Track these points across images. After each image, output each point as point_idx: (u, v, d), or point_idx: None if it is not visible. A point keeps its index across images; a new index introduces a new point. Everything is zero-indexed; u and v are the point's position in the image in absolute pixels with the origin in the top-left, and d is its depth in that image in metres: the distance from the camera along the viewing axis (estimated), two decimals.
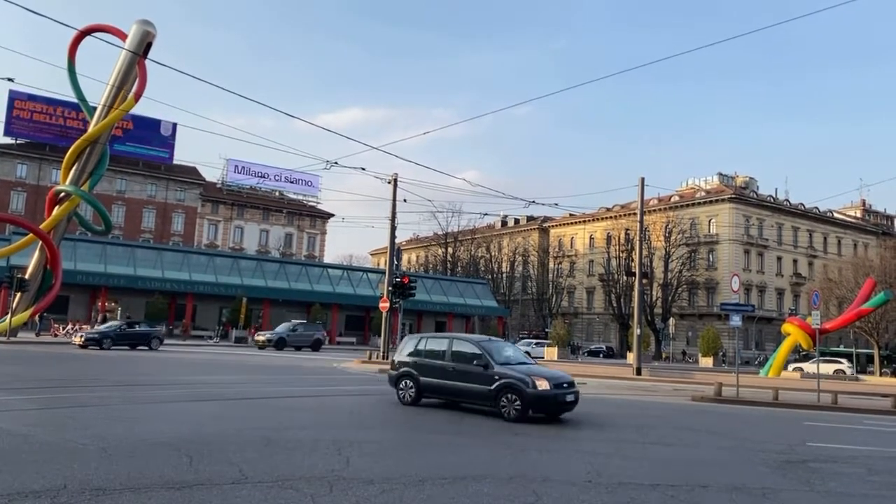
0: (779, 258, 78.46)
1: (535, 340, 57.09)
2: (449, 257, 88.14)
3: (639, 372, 30.22)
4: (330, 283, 60.11)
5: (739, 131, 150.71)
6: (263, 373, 22.54)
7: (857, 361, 52.26)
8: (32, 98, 65.48)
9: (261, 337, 42.29)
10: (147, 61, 35.16)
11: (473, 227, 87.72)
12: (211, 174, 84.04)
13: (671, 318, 65.71)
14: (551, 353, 53.54)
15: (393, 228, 33.45)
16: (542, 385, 12.22)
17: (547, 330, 70.26)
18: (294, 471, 7.18)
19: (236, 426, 10.23)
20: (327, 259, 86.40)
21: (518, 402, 12.16)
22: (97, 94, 38.13)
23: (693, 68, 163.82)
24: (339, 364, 29.35)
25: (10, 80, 22.08)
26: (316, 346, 42.90)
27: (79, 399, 12.79)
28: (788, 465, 9.57)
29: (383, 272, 47.87)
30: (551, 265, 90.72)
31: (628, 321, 67.11)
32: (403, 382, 14.09)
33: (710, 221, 76.65)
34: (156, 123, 71.81)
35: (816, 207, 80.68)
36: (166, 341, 43.40)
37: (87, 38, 35.32)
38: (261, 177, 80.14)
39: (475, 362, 12.86)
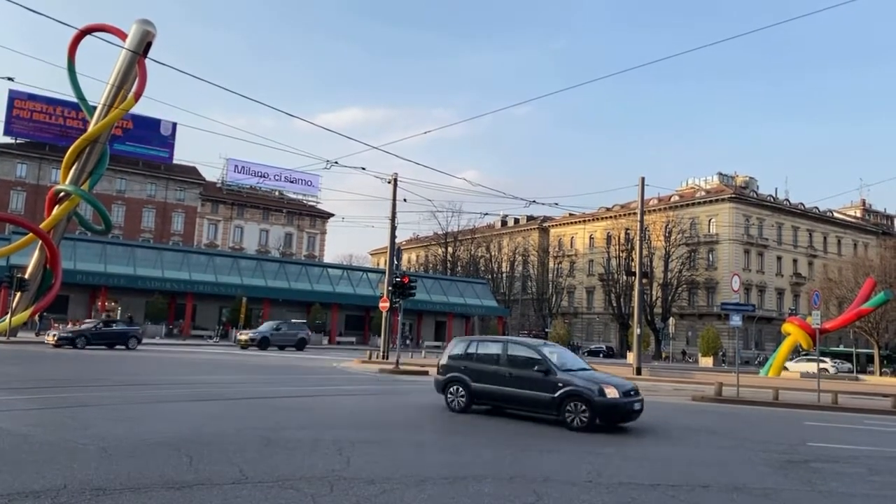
0: (779, 258, 78.47)
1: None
2: (449, 257, 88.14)
3: (639, 372, 30.22)
4: (330, 283, 60.10)
5: (739, 131, 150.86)
6: (262, 373, 22.53)
7: (857, 361, 52.31)
8: (32, 97, 65.46)
9: (243, 336, 41.01)
10: (147, 61, 35.15)
11: (473, 227, 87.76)
12: (211, 174, 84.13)
13: (671, 318, 65.72)
14: None
15: (393, 228, 33.43)
16: (612, 393, 11.65)
17: (547, 330, 70.30)
18: (294, 471, 7.16)
19: (236, 426, 10.21)
20: (327, 259, 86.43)
21: (585, 411, 11.52)
22: (97, 93, 38.15)
23: (693, 68, 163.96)
24: (339, 364, 29.34)
25: (10, 79, 22.07)
26: (300, 345, 41.82)
27: (78, 399, 12.77)
28: (789, 465, 9.56)
29: (383, 272, 47.88)
30: (551, 265, 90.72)
31: (628, 321, 67.12)
32: (453, 388, 13.25)
33: (709, 221, 76.65)
34: (156, 123, 71.79)
35: (816, 207, 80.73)
36: (164, 341, 43.46)
37: (87, 38, 35.29)
38: (261, 176, 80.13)
39: (535, 368, 12.18)
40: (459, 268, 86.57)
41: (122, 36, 35.18)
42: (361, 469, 7.44)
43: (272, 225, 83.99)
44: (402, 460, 8.26)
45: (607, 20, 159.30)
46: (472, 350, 13.55)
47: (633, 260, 61.03)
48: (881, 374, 48.27)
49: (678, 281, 72.30)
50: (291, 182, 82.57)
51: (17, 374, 17.07)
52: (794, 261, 79.61)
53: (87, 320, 36.25)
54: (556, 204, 42.38)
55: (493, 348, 13.32)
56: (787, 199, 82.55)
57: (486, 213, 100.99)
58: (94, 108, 37.33)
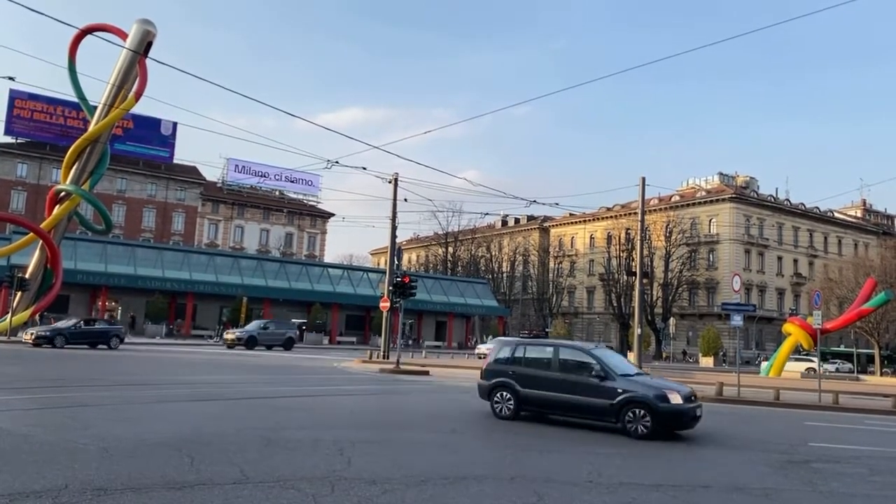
0: (779, 258, 78.47)
1: (506, 339, 53.77)
2: (449, 257, 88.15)
3: None
4: (330, 283, 60.10)
5: (740, 131, 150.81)
6: (262, 373, 22.53)
7: (857, 361, 52.32)
8: (33, 97, 65.47)
9: (230, 335, 39.80)
10: (147, 60, 35.16)
11: (474, 227, 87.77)
12: (211, 174, 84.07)
13: (671, 318, 65.72)
14: None
15: (394, 228, 33.43)
16: (676, 399, 11.17)
17: (547, 330, 70.27)
18: (295, 471, 7.16)
19: (236, 426, 10.21)
20: (327, 259, 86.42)
21: (648, 418, 11.03)
22: (97, 93, 38.17)
23: (693, 68, 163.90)
24: (340, 363, 29.34)
25: (10, 78, 22.08)
26: (288, 344, 40.80)
27: (78, 399, 12.77)
28: (790, 466, 9.55)
29: (383, 272, 47.84)
30: (551, 265, 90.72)
31: (628, 321, 67.09)
32: (500, 395, 12.59)
33: (710, 221, 76.65)
34: (156, 123, 71.79)
35: (817, 207, 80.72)
36: (163, 340, 43.44)
37: (88, 38, 35.29)
38: (261, 176, 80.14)
39: (592, 373, 11.65)
40: (460, 268, 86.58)
41: (123, 36, 35.19)
42: (363, 469, 7.44)
43: (273, 225, 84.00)
44: (403, 460, 8.26)
45: (607, 20, 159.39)
46: (519, 354, 12.95)
47: (633, 260, 61.02)
48: (882, 375, 48.29)
49: (679, 281, 72.30)
50: (292, 182, 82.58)
51: (17, 374, 17.07)
52: (795, 261, 79.61)
53: (67, 319, 34.95)
54: (557, 204, 42.39)
55: (544, 352, 12.80)
56: (788, 199, 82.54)
57: (487, 213, 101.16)
58: (95, 107, 37.33)
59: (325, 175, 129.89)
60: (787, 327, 39.67)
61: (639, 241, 34.76)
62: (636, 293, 34.24)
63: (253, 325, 41.77)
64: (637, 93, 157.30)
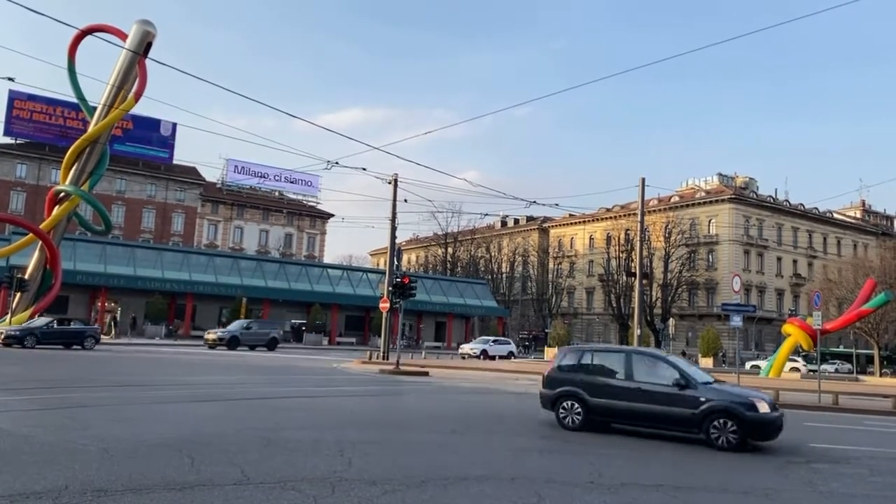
0: (778, 258, 78.51)
1: (492, 338, 51.15)
2: (449, 257, 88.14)
3: None
4: (330, 284, 60.10)
5: (740, 131, 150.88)
6: (261, 373, 22.52)
7: (857, 362, 52.34)
8: (32, 98, 65.45)
9: (211, 335, 38.85)
10: (147, 61, 35.18)
11: (473, 228, 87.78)
12: (211, 174, 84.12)
13: (671, 319, 65.73)
14: (552, 353, 53.58)
15: (393, 229, 33.43)
16: (763, 408, 10.61)
17: (547, 330, 70.28)
18: (296, 472, 7.16)
19: (236, 427, 10.21)
20: (327, 259, 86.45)
21: (734, 429, 10.43)
22: (97, 93, 38.16)
23: (694, 68, 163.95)
24: (340, 364, 29.33)
25: (10, 79, 22.07)
26: (272, 345, 39.91)
27: (77, 400, 12.76)
28: (791, 466, 9.56)
29: (383, 272, 47.84)
30: (551, 265, 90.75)
31: (628, 321, 67.12)
32: (566, 404, 11.90)
33: (709, 222, 76.68)
34: (155, 123, 71.79)
35: (816, 208, 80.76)
36: (162, 340, 43.39)
37: (88, 38, 35.30)
38: (260, 177, 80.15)
39: (671, 381, 11.07)
40: (459, 268, 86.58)
41: (123, 36, 35.20)
42: (363, 470, 7.43)
43: (272, 225, 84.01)
44: (404, 461, 8.25)
45: (607, 20, 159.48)
46: (586, 361, 12.32)
47: (633, 260, 61.03)
48: (881, 375, 48.29)
49: (678, 281, 72.31)
50: (291, 182, 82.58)
51: (16, 375, 17.06)
52: (794, 261, 79.65)
53: (40, 319, 33.60)
54: (557, 205, 42.36)
55: (615, 359, 12.16)
56: (787, 200, 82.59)
57: (487, 214, 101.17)
58: (95, 108, 37.34)
59: (325, 176, 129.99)
60: (787, 328, 39.64)
61: (638, 242, 34.79)
62: (636, 294, 34.30)
63: (235, 325, 40.86)
64: (637, 93, 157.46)
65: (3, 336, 28.97)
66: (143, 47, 34.48)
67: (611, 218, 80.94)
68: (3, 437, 8.32)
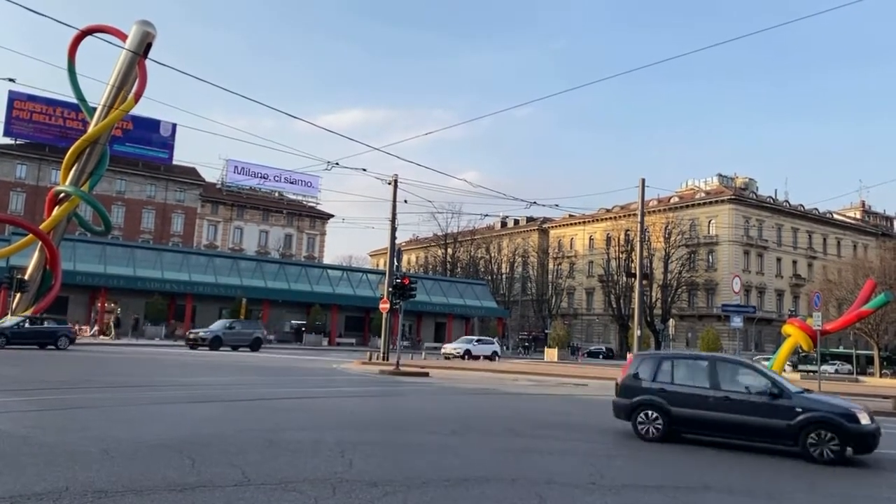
0: (778, 259, 78.53)
1: (476, 338, 49.84)
2: (448, 258, 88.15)
3: None
4: (329, 284, 60.09)
5: (740, 132, 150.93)
6: (260, 374, 22.50)
7: (856, 363, 52.33)
8: (32, 98, 65.45)
9: (193, 335, 37.74)
10: (147, 61, 35.18)
11: (473, 228, 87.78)
12: (210, 175, 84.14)
13: (671, 319, 65.74)
14: (551, 354, 53.57)
15: (393, 229, 33.43)
16: (864, 419, 10.07)
17: (547, 331, 70.29)
18: (297, 473, 7.14)
19: (237, 428, 10.20)
20: (327, 260, 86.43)
21: (836, 441, 9.89)
22: (97, 94, 38.17)
23: (694, 69, 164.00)
24: (340, 365, 29.31)
25: (11, 80, 22.06)
26: (255, 345, 38.79)
27: (78, 401, 12.74)
28: (792, 466, 9.55)
29: (383, 273, 47.83)
30: (551, 266, 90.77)
31: (628, 322, 67.13)
32: (645, 414, 11.34)
33: (709, 222, 76.71)
34: (155, 124, 71.81)
35: (816, 208, 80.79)
36: (163, 341, 43.34)
37: (88, 39, 35.31)
38: (260, 177, 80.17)
39: (763, 391, 10.62)
40: (459, 269, 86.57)
41: (123, 37, 35.20)
42: (364, 471, 7.42)
43: (272, 226, 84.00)
44: (405, 462, 8.24)
45: (607, 20, 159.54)
46: (666, 369, 11.72)
47: (632, 261, 61.01)
48: (881, 376, 48.28)
49: (678, 282, 72.34)
50: (291, 183, 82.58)
51: (15, 376, 17.04)
52: (794, 262, 79.67)
53: (10, 317, 32.39)
54: (557, 205, 42.44)
55: (698, 367, 11.65)
56: (787, 201, 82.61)
57: (487, 215, 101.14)
58: (94, 108, 37.34)
59: (325, 176, 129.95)
60: (787, 328, 39.55)
61: (638, 243, 34.78)
62: (636, 294, 34.28)
63: (217, 325, 39.92)
64: (637, 94, 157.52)
65: None
66: (143, 48, 34.48)
67: (611, 218, 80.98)
68: (2, 438, 8.30)
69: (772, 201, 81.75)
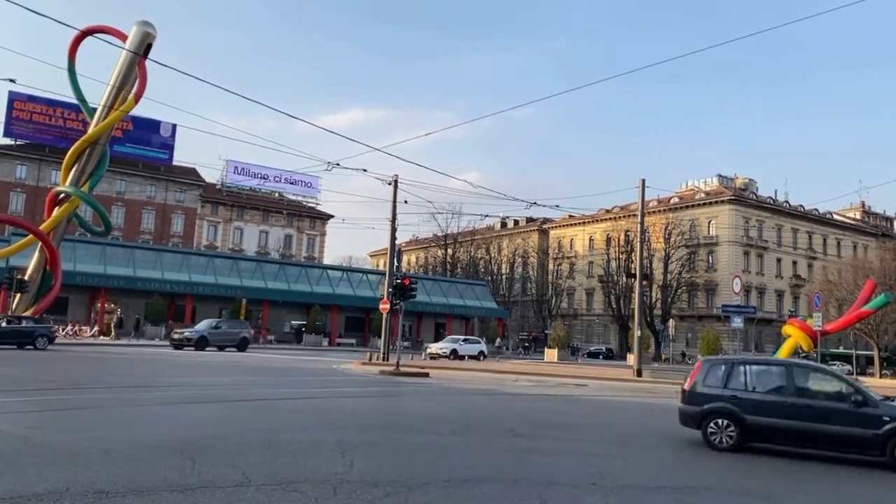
0: (778, 260, 78.53)
1: (462, 337, 48.88)
2: (448, 259, 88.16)
3: (639, 374, 30.20)
4: (329, 285, 60.08)
5: (740, 133, 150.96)
6: (261, 374, 22.49)
7: (856, 363, 52.35)
8: (32, 99, 65.45)
9: (177, 335, 36.79)
10: (147, 62, 35.18)
11: (473, 229, 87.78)
12: (210, 175, 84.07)
13: (671, 320, 65.74)
14: (551, 354, 53.55)
15: (393, 230, 33.42)
16: None
17: (547, 331, 70.28)
18: (297, 473, 7.14)
19: (237, 428, 10.20)
20: (327, 260, 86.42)
21: None
22: (97, 94, 38.16)
23: (694, 69, 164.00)
24: (340, 365, 29.30)
25: (11, 80, 22.05)
26: (242, 345, 37.87)
27: (77, 401, 12.73)
28: (793, 467, 9.55)
29: (383, 273, 47.80)
30: (551, 266, 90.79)
31: (628, 322, 67.15)
32: (717, 422, 10.83)
33: (709, 223, 76.71)
34: (155, 124, 71.81)
35: (816, 209, 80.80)
36: (163, 341, 43.17)
37: (88, 39, 35.30)
38: (260, 178, 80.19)
39: (845, 398, 10.18)
40: (459, 269, 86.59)
41: (123, 37, 35.20)
42: (364, 472, 7.41)
43: (272, 226, 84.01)
44: (405, 463, 8.23)
45: (607, 20, 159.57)
46: (738, 375, 11.21)
47: (632, 262, 61.06)
48: (881, 376, 48.29)
49: (678, 283, 72.34)
50: (291, 183, 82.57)
51: (15, 376, 17.04)
52: (794, 263, 79.68)
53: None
54: (558, 206, 42.48)
55: (774, 373, 11.22)
56: (787, 201, 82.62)
57: (487, 215, 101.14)
58: (95, 109, 37.34)
59: (325, 177, 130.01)
60: (787, 329, 39.60)
61: (638, 243, 34.78)
62: (636, 295, 34.28)
63: (203, 325, 39.03)
64: (637, 94, 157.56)
65: None
66: (143, 48, 34.48)
67: (610, 219, 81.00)
68: (3, 439, 8.30)
69: (772, 202, 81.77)
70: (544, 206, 68.90)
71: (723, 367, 11.54)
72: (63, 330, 43.00)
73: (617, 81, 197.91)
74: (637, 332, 31.70)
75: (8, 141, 68.87)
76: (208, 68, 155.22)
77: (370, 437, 10.07)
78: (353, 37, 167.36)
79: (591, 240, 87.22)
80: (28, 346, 28.75)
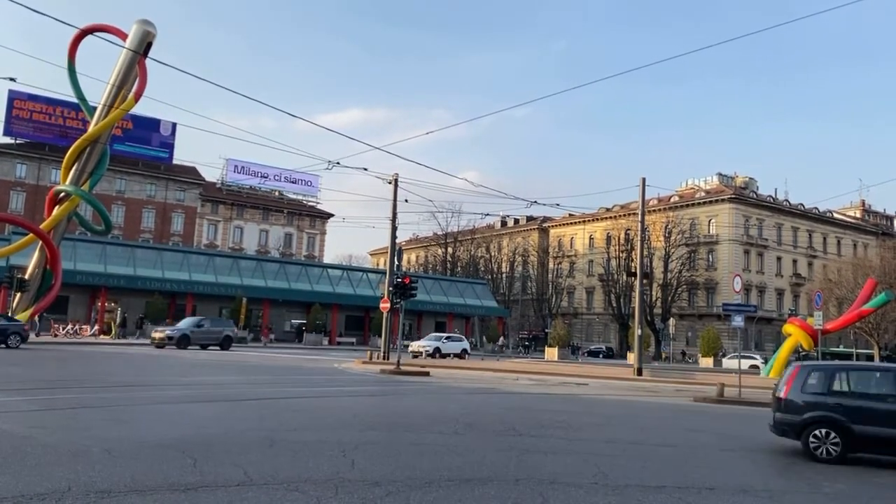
0: (778, 258, 78.53)
1: (445, 335, 47.93)
2: (449, 257, 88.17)
3: (640, 372, 30.19)
4: (330, 284, 60.09)
5: (739, 131, 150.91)
6: (263, 373, 22.50)
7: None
8: (32, 98, 65.41)
9: (158, 333, 35.93)
10: (147, 61, 35.15)
11: (473, 228, 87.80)
12: (210, 174, 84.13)
13: (671, 319, 65.75)
14: (552, 353, 53.56)
15: (394, 228, 33.42)
16: None
17: (547, 330, 70.30)
18: (299, 472, 7.14)
19: (239, 427, 10.19)
20: (327, 259, 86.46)
21: None
22: (97, 93, 38.15)
23: (694, 68, 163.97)
24: (340, 364, 29.31)
25: (12, 79, 22.05)
26: (225, 343, 37.16)
27: (78, 400, 12.73)
28: (794, 467, 9.55)
29: (383, 272, 47.79)
30: (551, 265, 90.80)
31: (628, 321, 67.15)
32: (819, 432, 10.10)
33: (709, 222, 76.71)
34: (155, 123, 71.78)
35: (816, 208, 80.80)
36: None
37: (88, 38, 35.26)
38: (261, 177, 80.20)
39: None
40: (459, 268, 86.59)
41: (123, 36, 35.16)
42: (366, 471, 7.41)
43: (272, 225, 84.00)
44: (407, 462, 8.22)
45: (607, 20, 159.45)
46: (841, 381, 10.52)
47: (633, 260, 61.05)
48: None
49: (678, 281, 72.36)
50: (291, 182, 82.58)
51: (17, 375, 17.04)
52: (794, 261, 79.68)
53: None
54: (558, 205, 42.50)
55: (883, 379, 10.46)
56: (787, 200, 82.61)
57: (487, 214, 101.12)
58: (95, 108, 37.31)
59: (325, 175, 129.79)
60: (788, 328, 39.66)
61: (639, 242, 34.76)
62: (636, 293, 34.26)
63: (185, 323, 38.23)
64: (638, 94, 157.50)
65: None
66: (144, 47, 34.46)
67: (611, 218, 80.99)
68: (4, 438, 8.29)
69: (772, 200, 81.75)
70: (544, 204, 69.03)
71: (823, 373, 10.84)
72: (63, 329, 43.09)
73: (617, 80, 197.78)
74: (637, 331, 31.69)
75: (8, 140, 68.85)
76: (208, 67, 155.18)
77: (371, 437, 10.07)
78: (353, 37, 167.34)
79: (591, 238, 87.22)
80: (0, 345, 27.92)
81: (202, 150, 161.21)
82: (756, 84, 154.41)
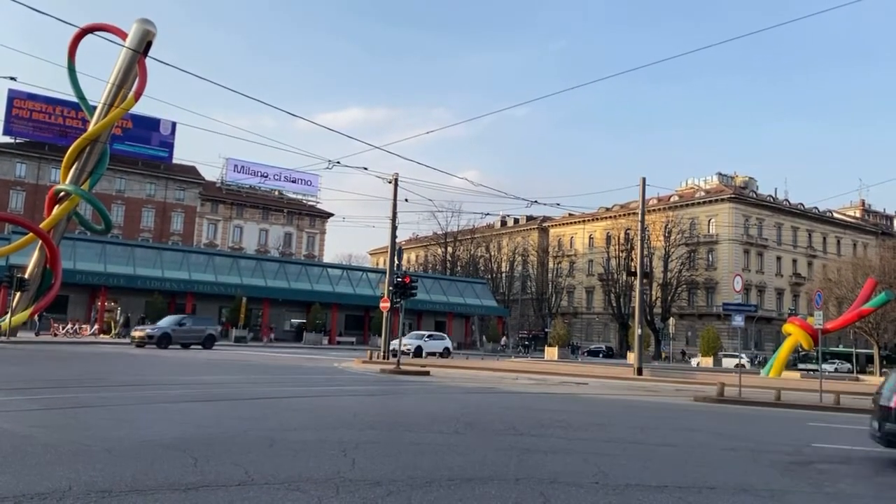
0: (778, 258, 78.55)
1: (426, 333, 47.63)
2: (448, 257, 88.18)
3: (639, 372, 30.18)
4: (329, 283, 60.11)
5: (739, 131, 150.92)
6: (263, 373, 22.49)
7: (856, 361, 52.43)
8: (32, 97, 65.42)
9: (138, 332, 35.36)
10: (147, 60, 35.13)
11: (473, 227, 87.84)
12: (210, 173, 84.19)
13: (671, 318, 65.78)
14: (551, 353, 53.57)
15: (394, 228, 33.41)
16: None
17: (546, 330, 70.30)
18: (300, 472, 7.13)
19: (240, 427, 10.18)
20: (327, 258, 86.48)
21: None
22: (97, 92, 38.15)
23: (693, 68, 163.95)
24: (340, 364, 29.30)
25: (12, 78, 22.04)
26: (208, 342, 36.80)
27: (78, 399, 12.71)
28: (795, 467, 9.53)
29: (383, 272, 47.82)
30: (551, 265, 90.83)
31: (628, 321, 67.18)
32: None
33: (709, 221, 76.74)
34: (155, 123, 71.79)
35: (816, 207, 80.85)
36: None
37: (88, 37, 35.24)
38: (260, 176, 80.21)
39: None
40: (459, 268, 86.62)
41: (123, 35, 35.14)
42: (367, 470, 7.40)
43: (272, 225, 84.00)
44: (408, 462, 8.21)
45: (607, 20, 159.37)
46: None
47: (633, 260, 61.09)
48: (881, 375, 48.29)
49: (678, 281, 72.40)
50: (291, 182, 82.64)
51: (18, 374, 17.03)
52: (794, 261, 79.72)
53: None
54: (558, 204, 42.66)
55: None
56: (787, 200, 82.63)
57: (487, 214, 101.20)
58: (94, 107, 37.28)
59: (325, 175, 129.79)
60: (788, 327, 39.71)
61: (639, 242, 34.78)
62: (636, 293, 34.27)
63: (167, 321, 37.51)
64: (637, 93, 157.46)
65: None
66: (144, 46, 34.45)
67: (610, 217, 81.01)
68: (4, 438, 8.28)
69: (772, 200, 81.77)
70: (544, 204, 68.96)
71: None
72: (63, 328, 43.08)
73: (617, 80, 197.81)
74: (637, 331, 31.69)
75: (8, 139, 68.84)
76: (208, 67, 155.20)
77: (372, 436, 10.05)
78: (353, 37, 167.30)
79: (591, 238, 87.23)
80: None
81: (202, 149, 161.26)
82: (756, 84, 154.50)
